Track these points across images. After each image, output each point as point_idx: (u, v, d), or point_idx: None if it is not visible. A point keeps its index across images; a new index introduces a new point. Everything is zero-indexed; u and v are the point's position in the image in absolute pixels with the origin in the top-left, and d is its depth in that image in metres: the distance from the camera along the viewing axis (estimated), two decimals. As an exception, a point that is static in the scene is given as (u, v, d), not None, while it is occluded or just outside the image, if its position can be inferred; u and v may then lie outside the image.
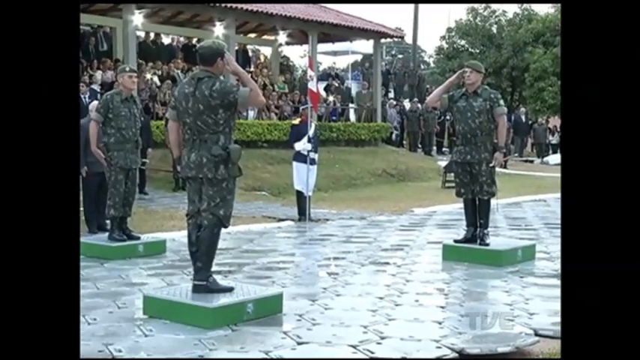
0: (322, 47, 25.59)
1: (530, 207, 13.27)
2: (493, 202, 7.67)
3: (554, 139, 29.27)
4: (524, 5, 35.38)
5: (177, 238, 9.04)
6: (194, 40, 22.69)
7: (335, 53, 30.28)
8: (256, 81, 21.75)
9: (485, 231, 7.61)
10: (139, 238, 8.12)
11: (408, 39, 32.20)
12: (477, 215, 7.64)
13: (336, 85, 25.00)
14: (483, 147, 7.45)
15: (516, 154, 26.81)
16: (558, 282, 5.94)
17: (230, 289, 5.32)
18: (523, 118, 28.32)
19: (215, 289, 5.30)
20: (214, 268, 7.29)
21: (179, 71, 19.72)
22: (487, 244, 7.55)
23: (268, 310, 5.27)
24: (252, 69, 22.83)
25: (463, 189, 7.62)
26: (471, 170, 7.53)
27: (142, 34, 20.22)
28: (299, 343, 4.59)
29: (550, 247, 8.51)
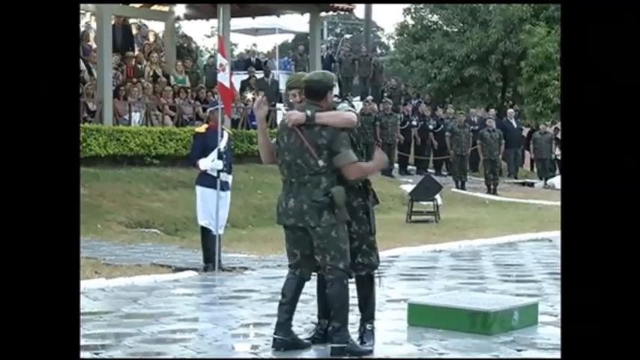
0: (238, 23, 25.65)
1: (530, 249, 13.45)
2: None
3: (563, 153, 29.55)
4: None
5: None
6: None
7: (256, 31, 30.45)
8: (141, 70, 21.61)
9: (369, 326, 6.90)
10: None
11: (359, 12, 32.58)
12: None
13: (258, 77, 25.07)
14: None
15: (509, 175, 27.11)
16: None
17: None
18: (514, 123, 27.56)
19: (357, 351, 6.40)
20: (81, 341, 7.20)
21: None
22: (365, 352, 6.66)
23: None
24: (136, 53, 22.69)
25: None
26: None
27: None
28: None
29: (558, 306, 8.63)
